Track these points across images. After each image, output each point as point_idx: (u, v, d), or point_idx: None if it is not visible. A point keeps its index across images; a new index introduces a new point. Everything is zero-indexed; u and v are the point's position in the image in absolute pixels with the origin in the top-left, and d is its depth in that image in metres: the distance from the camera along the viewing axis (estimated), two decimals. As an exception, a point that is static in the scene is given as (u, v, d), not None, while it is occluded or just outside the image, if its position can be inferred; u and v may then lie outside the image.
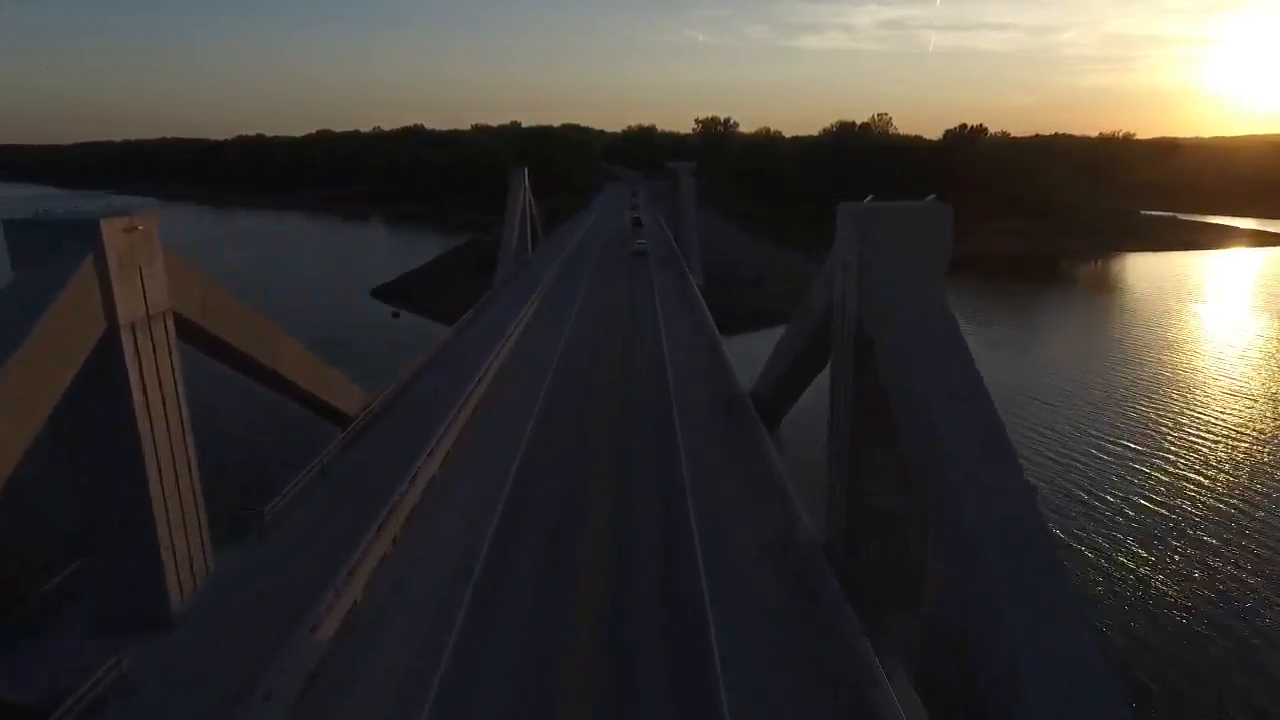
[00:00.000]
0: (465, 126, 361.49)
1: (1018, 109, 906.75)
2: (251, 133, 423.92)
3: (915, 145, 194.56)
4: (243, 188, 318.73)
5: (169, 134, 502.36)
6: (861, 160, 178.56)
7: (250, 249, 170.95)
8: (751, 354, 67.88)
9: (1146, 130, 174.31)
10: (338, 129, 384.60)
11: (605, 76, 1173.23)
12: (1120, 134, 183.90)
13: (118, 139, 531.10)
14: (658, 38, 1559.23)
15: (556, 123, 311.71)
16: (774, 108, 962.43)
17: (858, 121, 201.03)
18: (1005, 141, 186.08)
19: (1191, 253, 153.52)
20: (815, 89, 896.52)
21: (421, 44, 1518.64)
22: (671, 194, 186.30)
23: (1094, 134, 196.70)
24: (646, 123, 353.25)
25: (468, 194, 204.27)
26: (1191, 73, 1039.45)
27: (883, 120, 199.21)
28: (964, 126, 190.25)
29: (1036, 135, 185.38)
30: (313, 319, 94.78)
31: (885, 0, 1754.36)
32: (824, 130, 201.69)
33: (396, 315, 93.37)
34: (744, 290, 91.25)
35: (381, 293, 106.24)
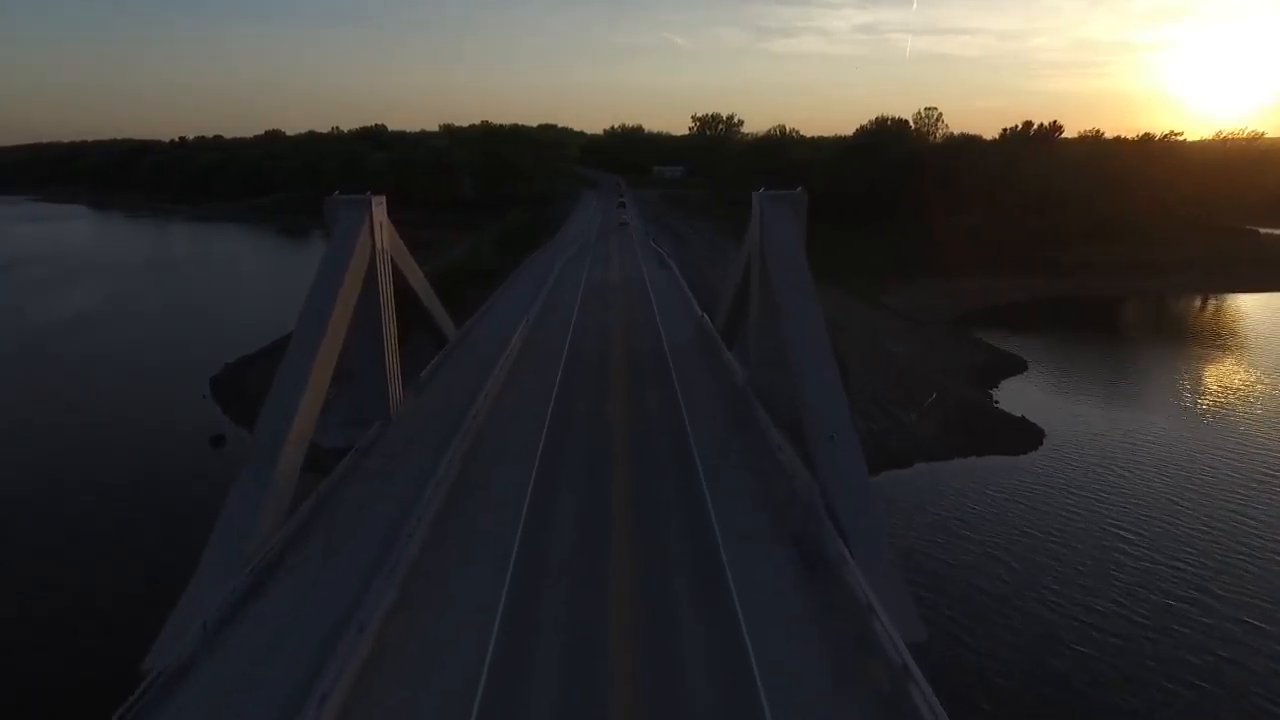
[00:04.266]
0: (433, 128, 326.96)
1: (986, 112, 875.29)
2: (210, 134, 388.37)
3: (971, 146, 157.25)
4: (179, 194, 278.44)
5: (119, 137, 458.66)
6: (904, 164, 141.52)
7: (125, 284, 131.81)
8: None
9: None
10: (293, 131, 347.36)
11: (578, 78, 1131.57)
12: (1244, 133, 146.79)
13: (64, 140, 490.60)
14: (632, 40, 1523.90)
15: (532, 124, 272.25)
16: (754, 109, 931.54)
17: (903, 118, 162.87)
18: (1091, 144, 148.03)
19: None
20: (792, 92, 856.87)
21: (382, 44, 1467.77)
22: (685, 227, 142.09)
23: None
24: (629, 124, 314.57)
25: (410, 206, 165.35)
26: (1162, 77, 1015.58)
27: (930, 117, 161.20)
28: (1028, 124, 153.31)
29: (1146, 135, 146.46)
30: (85, 447, 54.99)
31: (861, 4, 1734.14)
32: (859, 129, 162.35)
33: (219, 442, 54.76)
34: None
35: (224, 383, 67.41)
